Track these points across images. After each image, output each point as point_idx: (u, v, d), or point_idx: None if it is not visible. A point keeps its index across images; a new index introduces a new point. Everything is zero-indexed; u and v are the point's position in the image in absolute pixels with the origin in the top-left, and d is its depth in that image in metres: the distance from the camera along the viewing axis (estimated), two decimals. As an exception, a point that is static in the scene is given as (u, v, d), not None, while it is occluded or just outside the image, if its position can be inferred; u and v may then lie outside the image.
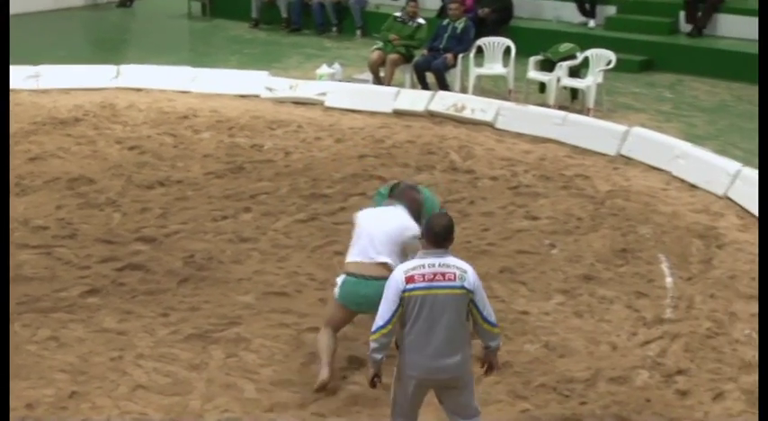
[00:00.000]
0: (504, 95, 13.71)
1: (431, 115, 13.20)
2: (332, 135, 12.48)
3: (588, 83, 13.39)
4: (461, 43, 14.15)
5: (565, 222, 9.85)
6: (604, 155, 11.75)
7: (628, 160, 11.57)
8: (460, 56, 14.05)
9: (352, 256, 6.89)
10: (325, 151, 11.89)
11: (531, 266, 8.90)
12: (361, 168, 11.27)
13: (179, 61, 15.11)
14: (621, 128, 12.00)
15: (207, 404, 6.65)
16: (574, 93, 13.65)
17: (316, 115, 13.32)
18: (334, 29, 18.19)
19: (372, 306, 6.30)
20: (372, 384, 5.71)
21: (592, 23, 16.77)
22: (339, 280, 6.92)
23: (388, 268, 6.52)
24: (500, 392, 6.86)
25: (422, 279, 5.45)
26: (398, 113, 13.29)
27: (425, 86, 14.12)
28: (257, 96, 14.03)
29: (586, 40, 14.61)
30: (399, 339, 5.57)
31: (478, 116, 12.90)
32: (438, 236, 5.53)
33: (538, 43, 14.44)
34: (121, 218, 9.80)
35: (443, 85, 13.92)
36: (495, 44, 14.35)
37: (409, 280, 5.44)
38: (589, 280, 8.62)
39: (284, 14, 18.46)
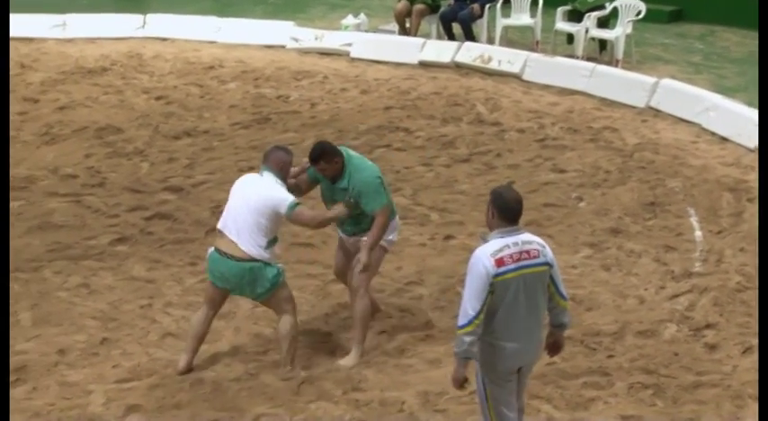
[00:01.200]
0: (532, 46, 13.54)
1: (457, 67, 13.08)
2: (357, 86, 12.41)
3: (617, 34, 13.19)
4: (488, -7, 13.97)
5: (592, 175, 9.78)
6: (633, 107, 11.62)
7: (657, 112, 11.44)
8: (487, 6, 13.85)
9: (219, 225, 6.37)
10: (351, 102, 11.83)
11: (557, 219, 8.85)
12: (386, 120, 11.21)
13: (204, 11, 15.01)
14: (650, 79, 11.85)
15: (235, 352, 6.68)
16: (602, 44, 13.46)
17: (341, 66, 13.23)
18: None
19: (232, 287, 6.30)
20: (461, 385, 5.15)
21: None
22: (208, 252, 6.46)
23: (244, 253, 6.18)
24: (527, 344, 6.84)
25: (511, 260, 4.94)
26: (424, 65, 13.18)
27: (451, 37, 13.96)
28: (282, 47, 13.94)
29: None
30: (484, 332, 5.02)
31: (505, 67, 12.77)
32: (514, 212, 5.04)
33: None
34: (149, 167, 9.81)
35: (470, 36, 13.76)
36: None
37: (499, 263, 4.92)
38: (617, 233, 8.57)
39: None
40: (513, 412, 5.25)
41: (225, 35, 14.14)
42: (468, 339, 4.96)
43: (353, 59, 13.48)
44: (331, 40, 13.86)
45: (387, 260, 7.93)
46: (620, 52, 13.03)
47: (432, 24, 14.11)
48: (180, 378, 6.33)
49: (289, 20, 14.66)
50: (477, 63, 12.98)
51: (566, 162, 10.12)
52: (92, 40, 13.99)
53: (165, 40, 14.10)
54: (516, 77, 12.64)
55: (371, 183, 6.43)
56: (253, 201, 6.20)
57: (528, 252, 5.00)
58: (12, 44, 13.55)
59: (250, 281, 6.25)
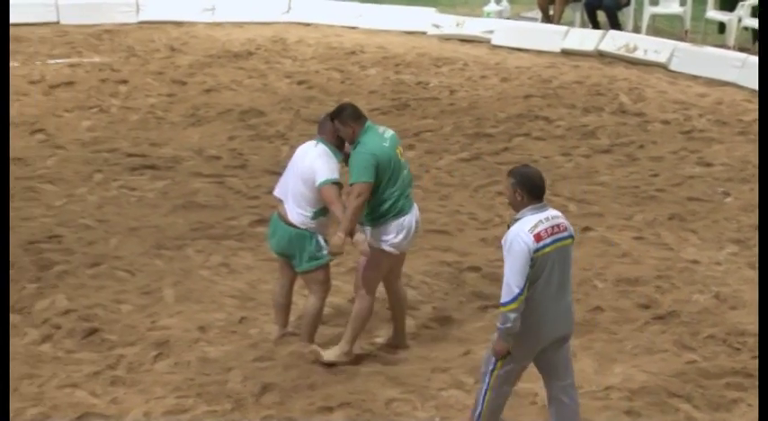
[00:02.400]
0: (680, 36, 13.19)
1: (600, 55, 12.85)
2: (497, 74, 12.32)
3: (771, 23, 12.72)
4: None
5: (741, 169, 9.47)
6: (785, 100, 11.19)
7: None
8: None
9: (275, 192, 6.52)
10: (491, 90, 11.75)
11: (702, 214, 8.60)
12: (526, 108, 11.10)
13: (349, -4, 15.16)
14: (806, 72, 11.38)
15: (369, 336, 6.72)
16: (756, 34, 12.99)
17: (482, 53, 13.16)
18: (503, -35, 17.84)
19: (284, 252, 6.36)
20: (504, 357, 5.27)
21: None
22: None
23: (289, 220, 6.25)
24: (665, 342, 6.68)
25: (546, 234, 5.14)
26: (567, 53, 13.00)
27: (596, 25, 13.71)
28: (423, 33, 13.95)
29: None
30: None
31: (651, 57, 12.49)
32: (541, 188, 5.27)
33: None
34: (289, 150, 9.89)
35: (615, 25, 13.48)
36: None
37: (537, 238, 5.08)
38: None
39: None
40: (510, 394, 5.48)
41: (366, 21, 14.25)
42: (513, 316, 5.11)
43: (494, 47, 13.40)
44: (472, 26, 13.80)
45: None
46: (774, 42, 12.55)
47: (576, 12, 13.91)
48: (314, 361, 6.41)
49: (430, 6, 14.66)
50: (622, 52, 12.74)
51: (712, 155, 9.82)
52: (239, 25, 14.30)
53: (308, 25, 14.31)
54: (662, 67, 12.34)
55: (362, 157, 6.05)
56: (300, 170, 6.27)
57: (558, 226, 5.21)
58: (163, 27, 14.03)
59: (296, 248, 6.30)
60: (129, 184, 9.16)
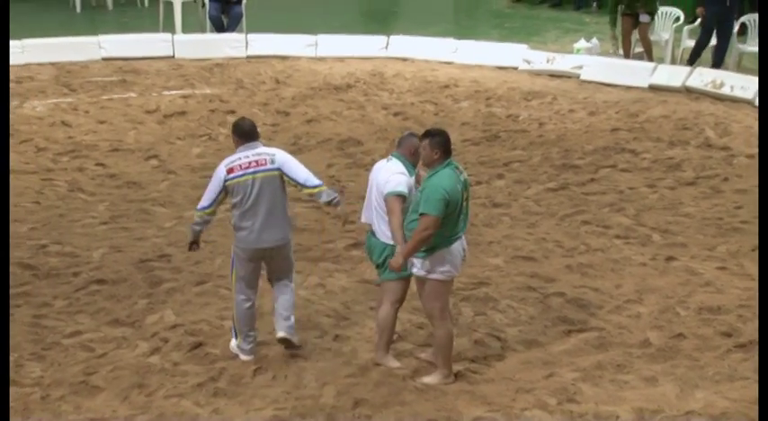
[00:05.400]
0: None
1: (687, 91, 12.66)
2: (585, 108, 12.24)
3: None
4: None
5: (824, 203, 9.19)
6: None
7: None
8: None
9: (363, 214, 6.69)
10: (578, 123, 11.68)
11: (785, 246, 8.38)
12: (613, 141, 11.00)
13: (443, 33, 15.25)
14: None
15: (457, 357, 6.72)
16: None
17: (570, 88, 13.10)
18: (594, 4, 17.73)
19: (374, 263, 6.50)
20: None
21: None
22: None
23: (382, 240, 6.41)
24: (747, 370, 6.52)
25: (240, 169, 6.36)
26: (654, 88, 12.84)
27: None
28: (515, 68, 13.95)
29: None
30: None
31: (738, 93, 12.28)
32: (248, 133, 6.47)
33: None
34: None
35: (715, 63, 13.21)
36: (758, 20, 13.53)
37: (229, 171, 6.35)
38: None
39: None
40: (250, 289, 6.63)
41: (461, 56, 14.31)
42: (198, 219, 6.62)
43: (583, 82, 13.32)
44: (562, 62, 13.76)
45: (606, 277, 7.83)
46: None
47: (666, 48, 13.72)
48: (405, 380, 6.43)
49: (523, 43, 14.65)
50: (709, 88, 12.52)
51: (797, 189, 9.57)
52: (340, 59, 14.49)
53: (405, 59, 14.43)
54: (749, 103, 12.10)
55: (436, 190, 6.01)
56: (375, 186, 6.42)
57: (257, 161, 6.38)
58: (269, 62, 14.32)
59: (381, 259, 6.43)
60: (233, 208, 9.33)
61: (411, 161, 6.38)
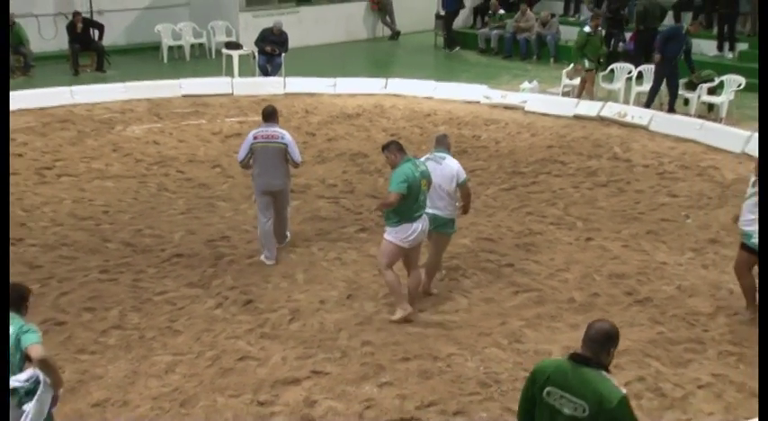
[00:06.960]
0: (657, 107, 12.85)
1: (601, 119, 12.59)
2: (529, 131, 12.16)
3: (722, 99, 12.32)
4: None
5: (698, 200, 9.18)
6: (731, 152, 10.82)
7: (750, 157, 10.55)
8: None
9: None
10: (524, 142, 11.61)
11: (670, 230, 8.37)
12: (548, 155, 10.94)
13: (426, 76, 15.13)
14: (746, 133, 10.98)
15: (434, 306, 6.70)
16: (710, 106, 12.61)
17: (518, 116, 13.00)
18: (534, 57, 17.64)
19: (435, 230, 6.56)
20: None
21: (729, 55, 15.35)
22: None
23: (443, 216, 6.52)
24: (642, 318, 6.53)
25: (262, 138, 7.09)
26: (577, 117, 12.75)
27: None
28: (478, 102, 13.84)
29: (722, 68, 13.40)
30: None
31: (637, 121, 12.18)
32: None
33: (684, 70, 13.18)
34: (384, 181, 9.97)
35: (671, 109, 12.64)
36: (652, 69, 13.38)
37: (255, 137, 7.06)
38: (715, 242, 8.02)
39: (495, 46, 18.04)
40: (267, 211, 7.24)
41: (439, 93, 14.19)
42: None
43: (527, 112, 13.22)
44: (512, 98, 13.64)
45: (543, 253, 7.80)
46: (723, 112, 12.18)
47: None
48: (399, 326, 6.40)
49: (483, 83, 14.55)
50: (616, 117, 12.45)
51: (678, 189, 9.54)
52: (352, 95, 14.37)
53: (398, 95, 14.32)
54: (644, 128, 12.02)
55: (399, 175, 6.09)
56: (445, 177, 6.42)
57: (272, 135, 7.04)
58: (300, 97, 14.22)
59: (447, 226, 6.63)
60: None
61: (449, 153, 6.58)
